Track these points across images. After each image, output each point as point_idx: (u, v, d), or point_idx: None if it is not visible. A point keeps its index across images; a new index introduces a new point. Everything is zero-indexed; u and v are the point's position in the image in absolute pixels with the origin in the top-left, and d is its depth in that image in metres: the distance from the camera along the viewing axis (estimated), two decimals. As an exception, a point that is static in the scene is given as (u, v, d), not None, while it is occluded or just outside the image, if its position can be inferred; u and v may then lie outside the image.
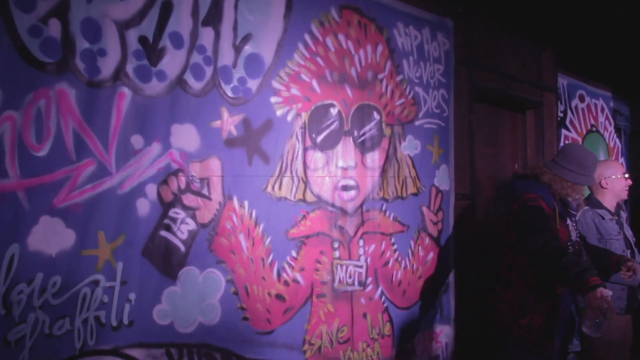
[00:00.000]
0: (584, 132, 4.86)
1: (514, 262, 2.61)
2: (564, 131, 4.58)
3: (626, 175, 3.21)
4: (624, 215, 3.40)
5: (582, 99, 4.87)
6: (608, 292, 2.11)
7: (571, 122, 4.69)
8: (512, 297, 2.59)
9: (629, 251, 3.14)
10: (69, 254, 1.87)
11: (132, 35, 2.04)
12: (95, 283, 1.93)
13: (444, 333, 3.20)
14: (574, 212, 2.81)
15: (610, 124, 5.31)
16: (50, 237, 1.83)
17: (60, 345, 1.84)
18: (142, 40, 2.07)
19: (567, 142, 4.57)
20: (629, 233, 3.29)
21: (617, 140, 5.41)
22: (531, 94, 4.05)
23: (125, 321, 1.99)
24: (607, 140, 5.20)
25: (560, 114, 4.55)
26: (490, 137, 3.94)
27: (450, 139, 3.29)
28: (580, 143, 4.78)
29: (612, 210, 3.23)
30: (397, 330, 2.91)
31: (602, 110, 5.19)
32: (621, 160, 5.41)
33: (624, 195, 3.25)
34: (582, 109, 4.86)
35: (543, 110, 4.14)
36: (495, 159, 3.97)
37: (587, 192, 3.23)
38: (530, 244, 2.38)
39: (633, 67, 5.08)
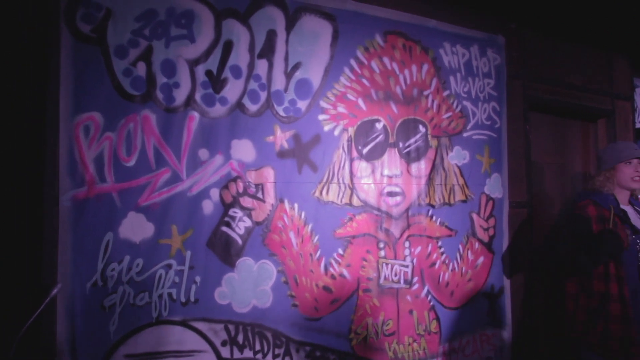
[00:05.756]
0: (676, 139, 4.59)
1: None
2: (649, 139, 4.40)
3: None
4: None
5: (672, 106, 4.62)
6: None
7: (658, 129, 4.48)
8: (585, 303, 2.64)
9: None
10: (149, 242, 2.38)
11: (200, 70, 2.55)
12: (169, 266, 2.42)
13: (497, 336, 3.29)
14: None
15: None
16: (136, 228, 2.36)
17: (141, 314, 2.36)
18: (208, 73, 2.57)
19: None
20: None
21: None
22: (600, 102, 4.00)
23: (192, 299, 2.46)
24: None
25: (645, 122, 4.40)
26: (554, 146, 3.96)
27: (502, 149, 3.43)
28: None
29: None
30: (445, 329, 3.08)
31: (701, 116, 4.84)
32: None
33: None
34: (673, 116, 4.61)
35: (615, 119, 4.06)
36: (562, 169, 3.97)
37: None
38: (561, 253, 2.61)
39: None
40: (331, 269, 2.80)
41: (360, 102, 2.95)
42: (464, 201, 3.24)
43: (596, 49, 4.05)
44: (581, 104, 3.91)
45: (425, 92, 3.15)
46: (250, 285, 2.60)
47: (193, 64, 2.54)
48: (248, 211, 2.62)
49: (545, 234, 3.71)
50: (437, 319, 3.08)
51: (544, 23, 3.69)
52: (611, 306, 2.55)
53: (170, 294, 2.42)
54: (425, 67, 3.16)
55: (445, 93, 3.23)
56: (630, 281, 2.57)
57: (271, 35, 2.73)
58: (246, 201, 2.62)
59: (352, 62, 2.95)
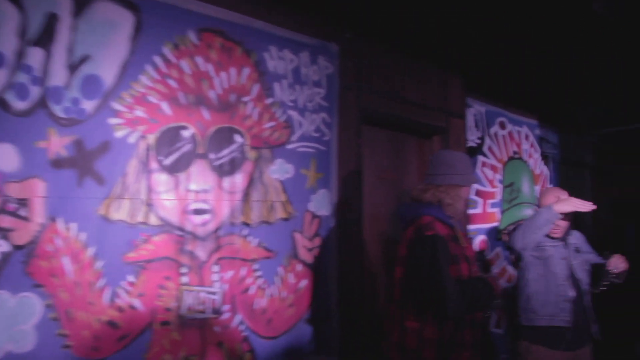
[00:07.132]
0: (505, 158, 4.80)
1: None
2: (481, 158, 4.53)
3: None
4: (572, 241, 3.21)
5: (502, 126, 4.83)
6: None
7: (490, 149, 4.64)
8: (434, 336, 2.33)
9: None
10: None
11: (-57, 55, 2.03)
12: None
13: (321, 364, 3.09)
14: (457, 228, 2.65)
15: (537, 151, 5.26)
16: None
17: None
18: (-45, 59, 2.05)
19: (483, 168, 4.54)
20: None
21: (545, 168, 5.35)
22: (436, 119, 4.02)
23: None
24: (531, 167, 5.13)
25: (478, 141, 4.52)
26: (389, 162, 3.89)
27: (331, 163, 3.24)
28: (501, 169, 4.74)
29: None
30: (261, 361, 2.80)
31: (527, 137, 5.15)
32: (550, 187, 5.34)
33: None
34: (503, 136, 4.82)
35: (449, 136, 4.11)
36: (397, 185, 3.91)
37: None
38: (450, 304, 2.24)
39: (559, 95, 5.07)
40: (118, 300, 2.37)
41: (165, 105, 2.57)
42: (285, 219, 2.98)
43: (433, 67, 4.07)
44: (417, 120, 3.88)
45: (245, 99, 2.85)
46: (3, 325, 2.09)
47: None
48: (5, 232, 2.12)
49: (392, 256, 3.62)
50: (252, 350, 2.78)
51: (380, 35, 3.59)
52: (465, 333, 2.36)
53: None
54: (247, 71, 2.87)
55: (269, 101, 2.96)
56: None
57: (52, 20, 2.27)
58: (4, 220, 2.12)
59: (157, 59, 2.57)
